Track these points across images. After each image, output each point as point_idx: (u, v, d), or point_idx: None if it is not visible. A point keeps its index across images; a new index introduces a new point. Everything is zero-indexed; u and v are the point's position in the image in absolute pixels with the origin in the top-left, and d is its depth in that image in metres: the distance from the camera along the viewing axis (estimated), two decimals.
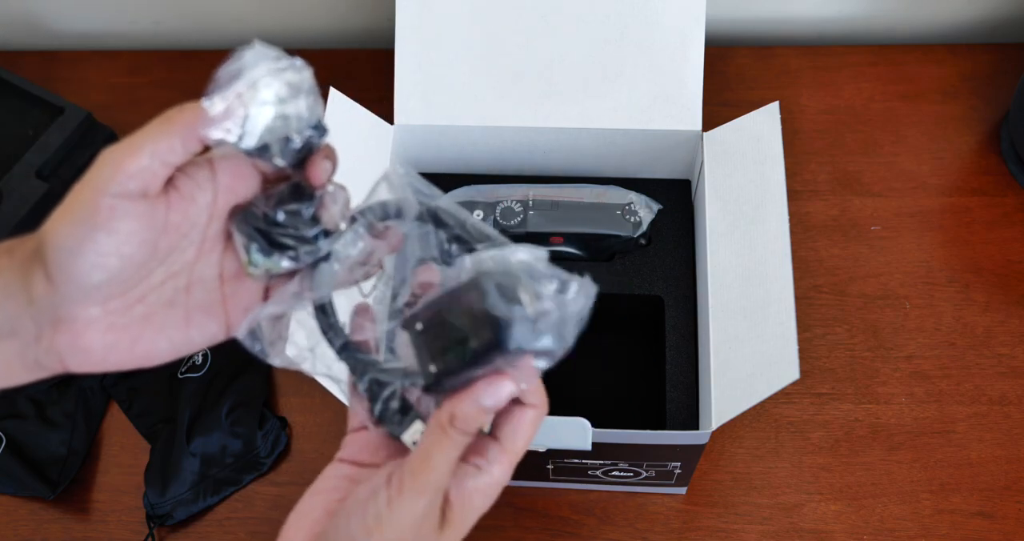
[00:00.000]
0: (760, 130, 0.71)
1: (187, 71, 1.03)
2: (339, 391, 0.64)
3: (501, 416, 0.45)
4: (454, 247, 0.46)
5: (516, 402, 0.45)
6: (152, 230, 0.42)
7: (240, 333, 0.45)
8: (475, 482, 0.44)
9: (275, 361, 0.46)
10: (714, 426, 0.62)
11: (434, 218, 0.45)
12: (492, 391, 0.42)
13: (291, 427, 0.82)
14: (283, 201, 0.44)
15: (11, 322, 0.42)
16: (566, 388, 0.81)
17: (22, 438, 0.81)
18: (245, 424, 0.79)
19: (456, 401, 0.42)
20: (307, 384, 0.84)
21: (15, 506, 0.80)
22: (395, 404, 0.46)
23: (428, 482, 0.43)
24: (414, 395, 0.45)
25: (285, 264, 0.45)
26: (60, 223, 0.40)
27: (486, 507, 0.46)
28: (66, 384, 0.82)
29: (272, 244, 0.44)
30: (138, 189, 0.40)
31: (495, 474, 0.45)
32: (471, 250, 0.45)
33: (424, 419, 0.45)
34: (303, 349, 0.47)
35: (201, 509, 0.78)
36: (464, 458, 0.45)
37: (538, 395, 0.46)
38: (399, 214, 0.45)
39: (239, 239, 0.44)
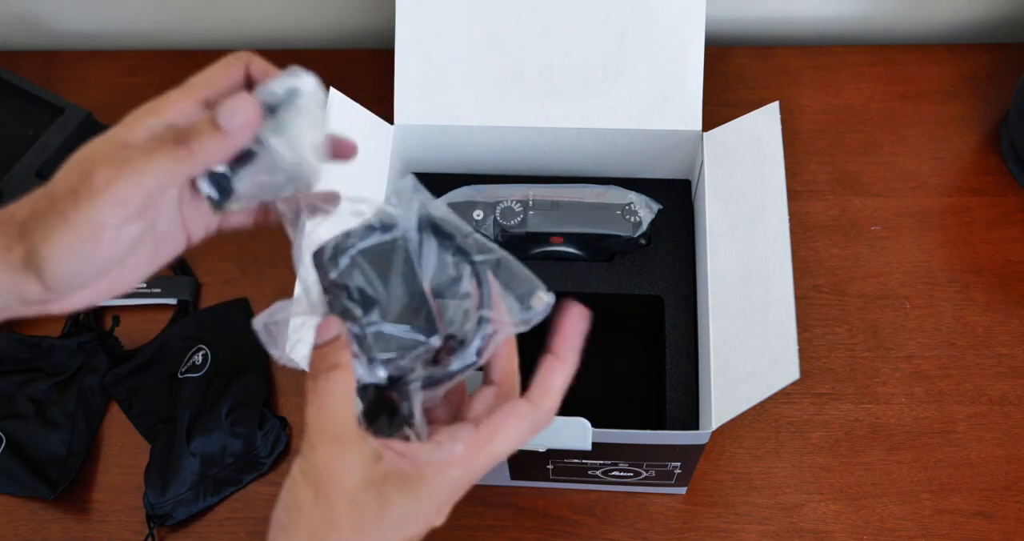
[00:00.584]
0: (760, 130, 0.71)
1: (187, 71, 1.02)
2: None
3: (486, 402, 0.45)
4: (452, 258, 0.46)
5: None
6: (148, 226, 0.43)
7: (256, 325, 0.46)
8: (429, 456, 0.43)
9: (280, 359, 0.48)
10: (714, 426, 0.62)
11: (434, 230, 0.46)
12: (319, 331, 0.45)
13: (291, 427, 0.82)
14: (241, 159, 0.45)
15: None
16: (566, 388, 0.81)
17: (22, 438, 0.81)
18: (245, 424, 0.79)
19: None
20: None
21: (15, 506, 0.80)
22: (382, 407, 0.46)
23: (318, 437, 0.43)
24: (398, 398, 0.45)
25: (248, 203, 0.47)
26: (60, 249, 0.41)
27: (452, 488, 0.44)
28: (66, 384, 0.82)
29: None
30: (139, 211, 0.41)
31: (456, 452, 0.43)
32: (471, 261, 0.46)
33: (407, 421, 0.45)
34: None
35: (201, 509, 0.78)
36: (433, 436, 0.45)
37: (546, 395, 0.45)
38: (386, 228, 0.46)
39: (204, 188, 0.46)
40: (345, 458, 0.42)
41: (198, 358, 0.83)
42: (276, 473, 0.80)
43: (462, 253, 0.46)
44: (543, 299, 0.47)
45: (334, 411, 0.43)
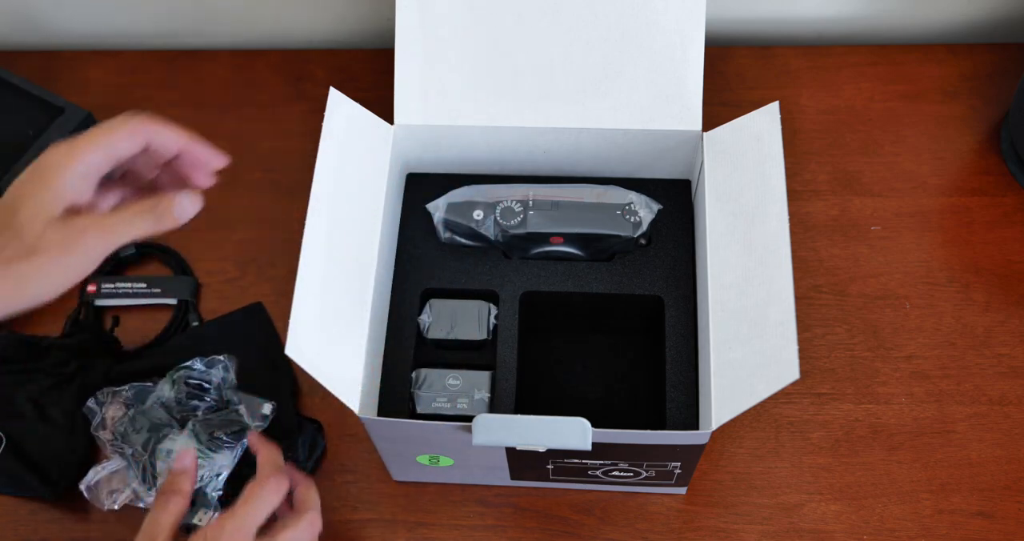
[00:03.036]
0: (760, 130, 0.71)
1: (187, 71, 1.03)
2: (337, 390, 0.64)
3: None
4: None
5: None
6: None
7: (82, 487, 0.75)
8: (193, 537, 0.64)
9: (104, 507, 0.75)
10: (714, 426, 0.62)
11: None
12: (178, 459, 0.69)
13: (323, 429, 0.81)
14: None
15: None
16: (566, 388, 0.81)
17: (22, 438, 0.80)
18: (282, 429, 0.79)
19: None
20: (307, 384, 0.84)
21: (15, 506, 0.80)
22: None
23: (140, 535, 0.65)
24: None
25: None
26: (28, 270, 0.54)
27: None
28: (66, 384, 0.82)
29: None
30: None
31: (215, 520, 0.66)
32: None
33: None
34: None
35: None
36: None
37: (260, 469, 0.68)
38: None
39: None
40: None
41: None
42: (315, 476, 0.80)
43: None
44: (267, 407, 0.77)
45: (163, 523, 0.64)
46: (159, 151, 0.59)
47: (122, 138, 0.56)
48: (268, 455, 0.69)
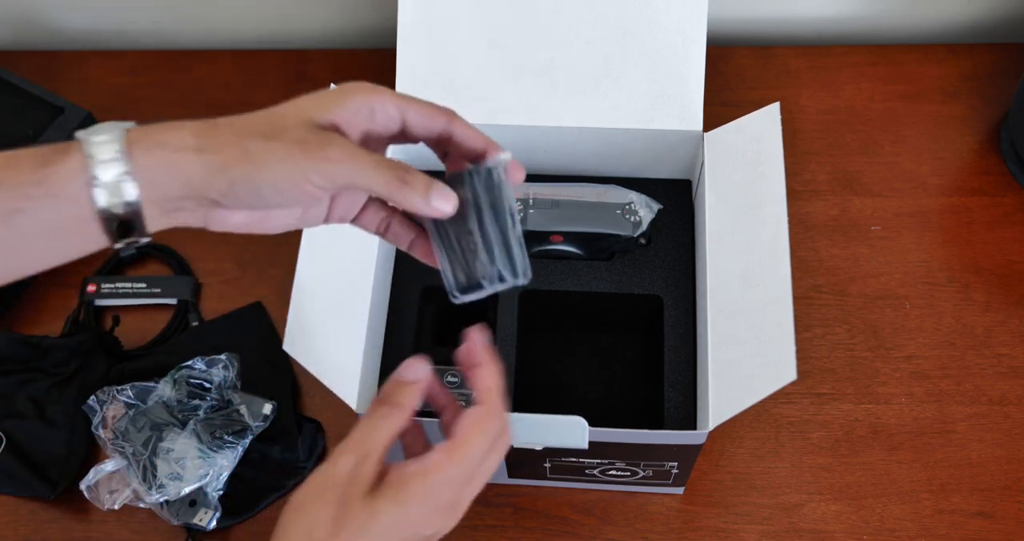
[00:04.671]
0: (760, 130, 0.71)
1: (187, 71, 1.03)
2: (336, 388, 0.64)
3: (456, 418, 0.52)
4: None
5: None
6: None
7: (82, 487, 0.75)
8: (410, 468, 0.49)
9: (104, 506, 0.76)
10: (711, 426, 0.62)
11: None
12: (405, 366, 0.53)
13: (323, 429, 0.82)
14: None
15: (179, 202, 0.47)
16: (565, 387, 0.81)
17: (22, 438, 0.80)
18: (283, 429, 0.79)
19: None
20: (310, 382, 0.84)
21: (15, 506, 0.80)
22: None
23: (347, 446, 0.50)
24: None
25: None
26: (266, 175, 0.45)
27: (439, 491, 0.49)
28: (66, 384, 0.82)
29: None
30: (336, 191, 0.50)
31: (430, 461, 0.50)
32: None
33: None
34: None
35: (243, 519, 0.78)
36: (416, 451, 0.54)
37: (487, 395, 0.52)
38: None
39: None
40: (364, 468, 0.49)
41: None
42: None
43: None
44: (267, 407, 0.77)
45: (377, 435, 0.50)
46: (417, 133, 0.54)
47: (420, 109, 0.52)
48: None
